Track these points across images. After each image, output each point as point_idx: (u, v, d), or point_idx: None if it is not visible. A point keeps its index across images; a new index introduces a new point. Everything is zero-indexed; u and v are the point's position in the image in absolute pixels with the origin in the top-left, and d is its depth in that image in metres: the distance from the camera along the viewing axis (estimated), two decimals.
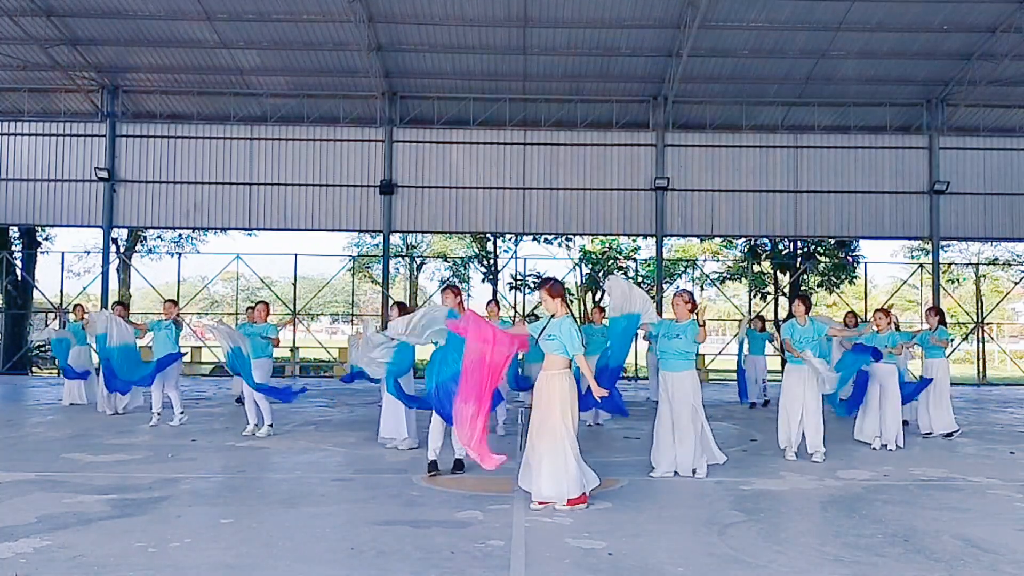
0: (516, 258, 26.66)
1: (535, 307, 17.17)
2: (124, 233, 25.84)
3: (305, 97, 20.06)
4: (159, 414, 10.19)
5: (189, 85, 20.01)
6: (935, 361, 9.94)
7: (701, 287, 30.92)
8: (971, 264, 30.17)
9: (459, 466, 7.04)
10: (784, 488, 6.58)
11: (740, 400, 13.11)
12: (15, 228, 23.53)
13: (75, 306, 12.49)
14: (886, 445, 8.68)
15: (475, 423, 5.62)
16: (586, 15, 17.26)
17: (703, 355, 22.82)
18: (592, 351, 11.05)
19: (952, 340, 9.63)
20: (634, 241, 27.86)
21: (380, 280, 25.00)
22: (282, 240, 78.68)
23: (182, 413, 10.26)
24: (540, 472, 5.64)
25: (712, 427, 10.72)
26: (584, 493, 5.73)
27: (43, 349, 25.27)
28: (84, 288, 23.11)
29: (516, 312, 23.78)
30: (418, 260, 30.84)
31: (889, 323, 9.13)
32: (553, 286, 5.97)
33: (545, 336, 5.85)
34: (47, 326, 13.23)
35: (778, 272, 27.32)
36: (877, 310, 9.38)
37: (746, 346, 13.27)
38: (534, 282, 26.32)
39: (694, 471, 6.91)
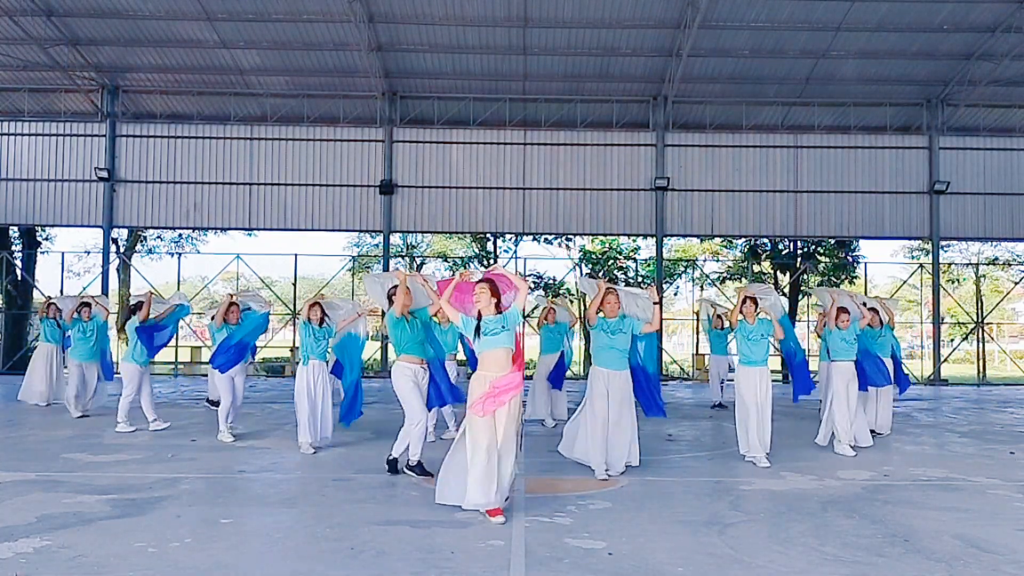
0: (516, 258, 26.64)
1: (533, 309, 17.13)
2: (124, 233, 25.83)
3: (305, 97, 20.07)
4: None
5: (189, 85, 20.02)
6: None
7: (701, 287, 30.89)
8: (971, 264, 30.16)
9: (394, 467, 6.94)
10: (784, 488, 6.58)
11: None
12: (15, 228, 23.53)
13: (82, 305, 12.30)
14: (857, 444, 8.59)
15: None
16: (586, 15, 17.27)
17: (703, 355, 22.80)
18: (549, 349, 10.97)
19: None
20: (634, 241, 27.84)
21: None
22: (282, 240, 78.76)
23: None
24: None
25: (712, 426, 10.77)
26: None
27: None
28: (84, 288, 23.08)
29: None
30: (418, 260, 30.83)
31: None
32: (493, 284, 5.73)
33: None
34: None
35: (778, 272, 27.30)
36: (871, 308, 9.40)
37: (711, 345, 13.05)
38: (534, 282, 26.30)
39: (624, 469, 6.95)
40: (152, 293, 11.33)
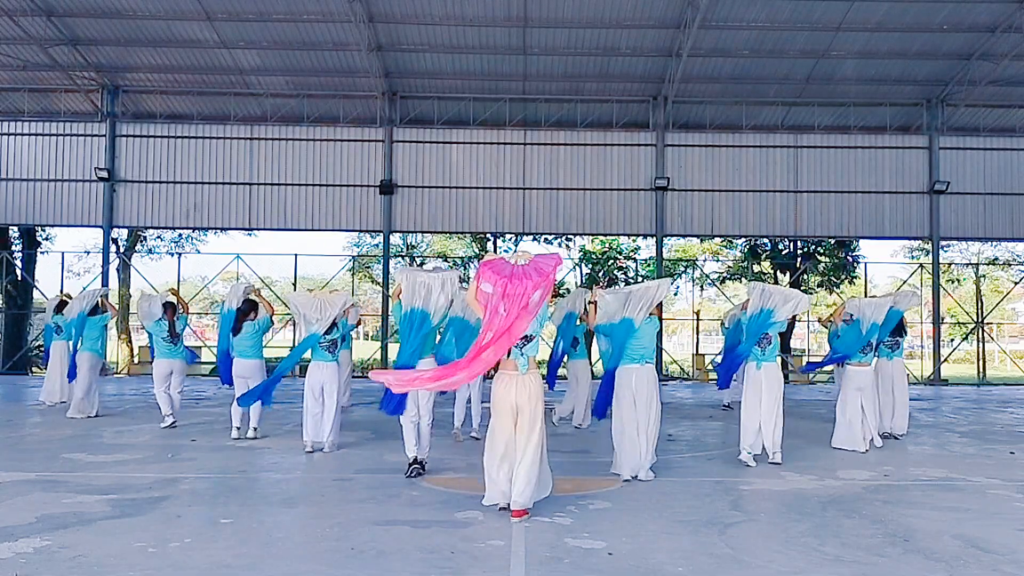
0: None
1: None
2: (124, 233, 25.83)
3: (305, 97, 20.07)
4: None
5: (189, 85, 20.01)
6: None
7: (701, 287, 30.90)
8: (971, 264, 30.16)
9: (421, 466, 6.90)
10: (784, 488, 6.57)
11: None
12: (15, 228, 23.53)
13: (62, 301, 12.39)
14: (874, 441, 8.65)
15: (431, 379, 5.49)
16: (586, 15, 17.27)
17: (703, 355, 22.81)
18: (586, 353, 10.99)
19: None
20: (634, 241, 27.84)
21: (380, 280, 24.99)
22: (282, 240, 78.79)
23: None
24: (521, 479, 5.39)
25: (713, 427, 10.77)
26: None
27: (43, 349, 25.23)
28: (84, 288, 23.07)
29: None
30: (418, 260, 30.83)
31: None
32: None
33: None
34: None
35: (778, 272, 27.28)
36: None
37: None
38: None
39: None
40: (175, 291, 11.36)
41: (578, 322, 10.58)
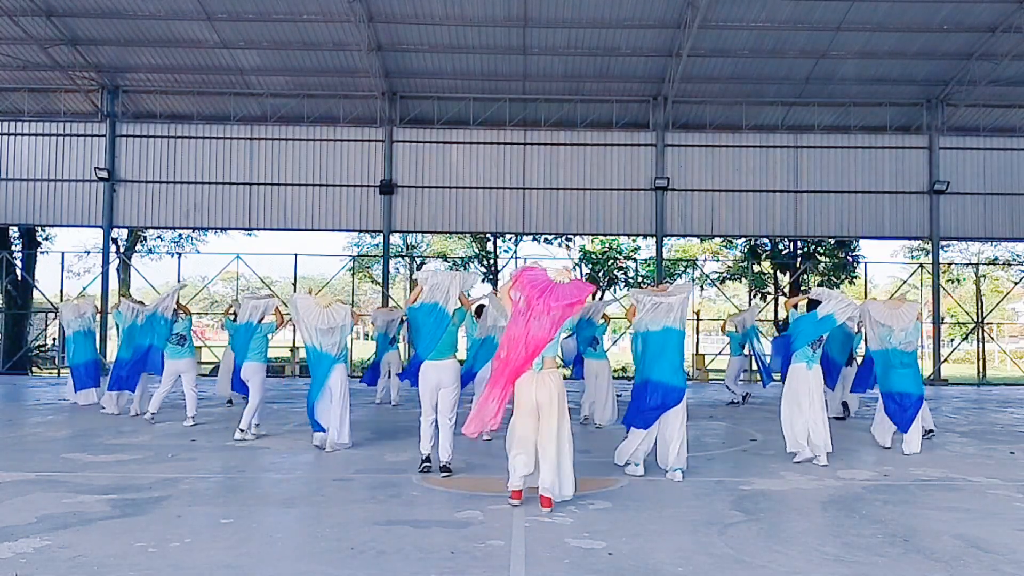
0: (516, 258, 26.63)
1: None
2: (124, 233, 25.84)
3: (305, 97, 20.07)
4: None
5: (189, 85, 20.01)
6: None
7: (701, 287, 30.90)
8: (971, 264, 30.16)
9: (446, 469, 6.96)
10: (784, 488, 6.58)
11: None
12: (15, 228, 23.53)
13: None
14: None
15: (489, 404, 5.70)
16: (586, 15, 17.27)
17: (703, 355, 22.80)
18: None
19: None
20: (634, 241, 27.84)
21: (380, 280, 24.99)
22: (282, 240, 78.72)
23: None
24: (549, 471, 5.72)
25: (712, 426, 10.77)
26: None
27: (43, 349, 25.25)
28: (84, 288, 23.09)
29: None
30: (418, 260, 30.83)
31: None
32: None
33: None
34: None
35: (778, 272, 27.30)
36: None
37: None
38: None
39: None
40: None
41: (599, 322, 10.74)
